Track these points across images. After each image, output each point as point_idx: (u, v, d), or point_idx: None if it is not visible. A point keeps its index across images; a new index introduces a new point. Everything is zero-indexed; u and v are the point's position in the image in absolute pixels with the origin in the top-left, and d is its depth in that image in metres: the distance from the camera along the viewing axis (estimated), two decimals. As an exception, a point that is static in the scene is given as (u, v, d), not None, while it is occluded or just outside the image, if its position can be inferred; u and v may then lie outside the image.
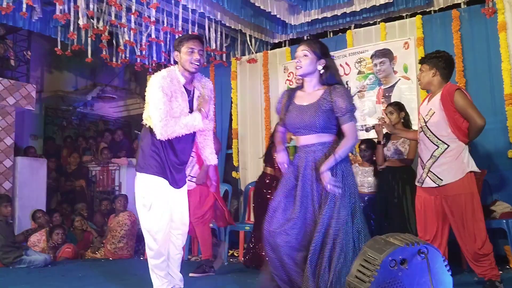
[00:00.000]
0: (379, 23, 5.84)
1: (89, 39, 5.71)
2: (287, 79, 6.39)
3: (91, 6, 5.16)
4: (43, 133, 8.44)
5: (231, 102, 6.83)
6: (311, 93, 2.76)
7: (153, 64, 6.51)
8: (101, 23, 5.49)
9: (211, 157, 3.37)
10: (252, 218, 5.57)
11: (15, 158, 6.33)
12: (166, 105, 2.86)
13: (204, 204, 4.49)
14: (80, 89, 9.40)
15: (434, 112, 3.29)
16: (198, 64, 2.99)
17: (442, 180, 3.23)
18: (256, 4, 5.40)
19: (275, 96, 5.88)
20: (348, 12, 5.68)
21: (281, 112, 2.88)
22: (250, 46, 6.58)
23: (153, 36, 5.57)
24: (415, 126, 4.17)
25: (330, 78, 2.76)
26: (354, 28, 6.08)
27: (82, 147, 8.38)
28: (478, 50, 5.13)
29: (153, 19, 5.34)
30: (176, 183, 3.06)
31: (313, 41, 2.86)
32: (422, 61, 3.45)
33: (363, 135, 5.62)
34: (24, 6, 4.98)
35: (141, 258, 5.88)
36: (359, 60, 5.88)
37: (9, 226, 5.50)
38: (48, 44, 7.41)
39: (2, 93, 6.19)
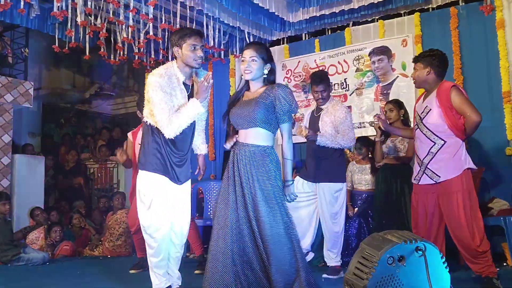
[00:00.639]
0: (377, 21, 5.85)
1: (87, 37, 5.70)
2: (285, 77, 6.39)
3: (89, 3, 5.14)
4: (41, 131, 8.43)
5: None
6: (255, 91, 2.83)
7: (151, 62, 6.50)
8: (99, 20, 5.47)
9: (201, 147, 3.37)
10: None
11: (13, 155, 6.32)
12: (168, 103, 2.86)
13: None
14: (78, 87, 9.39)
15: (431, 109, 3.30)
16: (201, 60, 2.99)
17: (439, 176, 3.23)
18: (255, 1, 5.39)
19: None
20: (346, 9, 5.67)
21: (226, 111, 2.94)
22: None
23: (151, 33, 5.56)
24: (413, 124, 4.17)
25: (272, 79, 2.86)
26: (352, 25, 6.08)
27: (80, 145, 8.38)
28: (476, 47, 5.14)
29: (151, 16, 5.32)
30: (178, 179, 3.05)
31: (260, 45, 2.89)
32: (416, 60, 3.44)
33: (360, 132, 5.65)
34: (22, 3, 4.96)
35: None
36: (357, 57, 5.89)
37: (8, 224, 5.49)
38: (45, 42, 7.39)
39: (-1, 90, 6.18)
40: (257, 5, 5.53)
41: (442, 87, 3.29)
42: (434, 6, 5.50)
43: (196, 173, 3.34)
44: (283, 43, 6.58)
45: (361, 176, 4.94)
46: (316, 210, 4.07)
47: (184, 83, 3.00)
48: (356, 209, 4.84)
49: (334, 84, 5.99)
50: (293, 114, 2.86)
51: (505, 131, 4.85)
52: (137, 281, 4.07)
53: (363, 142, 4.96)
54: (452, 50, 5.18)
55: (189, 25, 5.85)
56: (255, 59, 2.77)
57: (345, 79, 5.94)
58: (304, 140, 4.50)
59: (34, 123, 8.21)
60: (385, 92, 5.65)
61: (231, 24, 6.04)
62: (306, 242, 3.99)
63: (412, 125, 4.35)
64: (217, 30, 6.18)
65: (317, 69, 6.04)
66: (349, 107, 5.85)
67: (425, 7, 5.55)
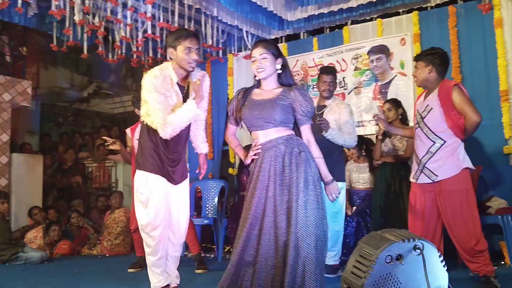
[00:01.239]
0: (375, 19, 5.85)
1: (85, 35, 5.69)
2: (284, 75, 6.38)
3: (86, 1, 5.14)
4: (39, 130, 8.42)
5: (228, 98, 6.82)
6: (269, 91, 2.74)
7: (149, 60, 6.49)
8: (97, 19, 5.46)
9: (202, 146, 3.36)
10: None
11: (11, 154, 6.31)
12: (163, 104, 2.85)
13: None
14: (76, 85, 9.37)
15: (432, 108, 3.30)
16: (195, 63, 2.95)
17: (437, 176, 3.24)
18: (253, 0, 5.39)
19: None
20: (344, 8, 5.67)
21: (235, 109, 2.83)
22: (247, 42, 6.55)
23: (149, 32, 5.54)
24: (412, 123, 4.17)
25: (287, 78, 2.77)
26: (351, 24, 6.07)
27: (78, 144, 8.37)
28: (474, 46, 5.14)
29: (149, 15, 5.31)
30: (174, 179, 3.06)
31: (267, 41, 2.84)
32: (417, 58, 3.45)
33: (359, 131, 5.64)
34: (20, 1, 4.96)
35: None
36: (355, 56, 5.89)
37: (6, 223, 5.49)
38: (43, 40, 7.37)
39: (-3, 89, 6.17)
40: (255, 4, 5.52)
41: (444, 85, 3.29)
42: (433, 4, 5.50)
43: (197, 172, 3.34)
44: (281, 42, 6.58)
45: (359, 175, 4.94)
46: None
47: (178, 84, 2.98)
48: (354, 208, 4.85)
49: (333, 83, 6.00)
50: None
51: (503, 129, 4.85)
52: (135, 280, 4.07)
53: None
54: (451, 48, 5.18)
55: (187, 24, 5.84)
56: (265, 56, 2.69)
57: (343, 78, 5.94)
58: None
59: (32, 122, 8.19)
60: (383, 91, 5.65)
61: (229, 23, 6.03)
62: None
63: (410, 124, 4.37)
64: (215, 29, 6.18)
65: (315, 68, 6.05)
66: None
67: (424, 6, 5.55)
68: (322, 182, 2.67)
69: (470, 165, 3.27)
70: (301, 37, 6.53)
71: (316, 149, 2.70)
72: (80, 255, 6.08)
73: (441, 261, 2.23)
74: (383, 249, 2.13)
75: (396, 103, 4.50)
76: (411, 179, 3.45)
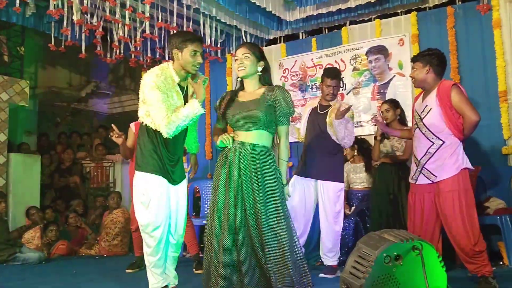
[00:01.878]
0: (374, 20, 5.85)
1: (83, 35, 5.68)
2: (282, 76, 6.39)
3: (85, 1, 5.12)
4: (37, 130, 8.40)
5: (226, 99, 6.81)
6: (252, 92, 2.88)
7: (148, 60, 6.48)
8: (95, 19, 5.45)
9: (193, 146, 3.40)
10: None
11: (9, 154, 6.29)
12: (165, 103, 2.86)
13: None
14: (74, 85, 9.36)
15: (431, 109, 3.30)
16: (199, 66, 3.04)
17: (436, 176, 3.24)
18: (251, 0, 5.39)
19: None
20: (343, 8, 5.67)
21: (221, 111, 2.97)
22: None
23: (147, 32, 5.54)
24: (410, 123, 4.17)
25: (268, 79, 2.92)
26: (349, 24, 6.08)
27: (76, 144, 8.35)
28: (472, 47, 5.14)
29: (147, 14, 5.31)
30: (173, 180, 3.07)
31: (252, 44, 3.02)
32: (414, 59, 3.44)
33: (357, 132, 5.65)
34: (18, 1, 4.94)
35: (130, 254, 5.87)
36: (354, 56, 5.89)
37: (4, 223, 5.47)
38: (41, 40, 7.36)
39: (-5, 89, 6.15)
40: (254, 4, 5.52)
41: (442, 86, 3.29)
42: (431, 5, 5.51)
43: (187, 171, 3.35)
44: (280, 42, 6.58)
45: (356, 175, 4.95)
46: (310, 208, 4.04)
47: (178, 85, 3.01)
48: (353, 208, 4.85)
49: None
50: (290, 117, 2.91)
51: (501, 130, 4.86)
52: (133, 281, 4.07)
53: None
54: (449, 49, 5.18)
55: (185, 23, 5.84)
56: (247, 55, 2.83)
57: (342, 78, 5.93)
58: (296, 140, 4.52)
59: (30, 121, 8.17)
60: (382, 91, 5.66)
61: (228, 23, 6.03)
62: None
63: (409, 124, 4.37)
64: (214, 29, 6.17)
65: (314, 68, 6.05)
66: (346, 106, 5.87)
67: (422, 7, 5.55)
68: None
69: (469, 165, 3.27)
70: (300, 37, 6.53)
71: (286, 151, 2.86)
72: (78, 256, 6.07)
73: (440, 262, 2.23)
74: (382, 250, 2.13)
75: (394, 104, 4.50)
76: (410, 180, 3.45)
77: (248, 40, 6.53)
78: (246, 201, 2.70)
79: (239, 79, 2.93)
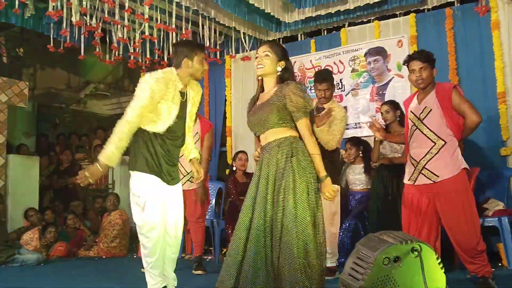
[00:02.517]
0: (373, 21, 5.86)
1: (82, 36, 5.68)
2: (281, 77, 6.38)
3: (84, 3, 5.13)
4: (36, 131, 8.39)
5: (225, 100, 6.82)
6: (267, 93, 2.74)
7: (147, 62, 6.48)
8: (94, 20, 5.45)
9: (194, 151, 3.41)
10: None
11: (7, 156, 6.28)
12: (144, 110, 2.89)
13: (201, 204, 4.51)
14: (73, 87, 9.35)
15: (431, 110, 3.30)
16: (204, 73, 3.19)
17: (438, 176, 3.24)
18: (250, 1, 5.39)
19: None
20: (342, 10, 5.67)
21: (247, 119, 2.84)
22: (244, 44, 6.57)
23: (146, 33, 5.54)
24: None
25: (287, 79, 2.73)
26: (348, 26, 6.08)
27: (75, 145, 8.34)
28: (471, 48, 5.15)
29: (146, 16, 5.31)
30: (169, 181, 3.06)
31: (275, 43, 2.91)
32: (424, 60, 3.34)
33: (356, 133, 5.66)
34: (17, 2, 4.94)
35: (135, 256, 5.87)
36: (353, 58, 5.89)
37: (2, 225, 5.46)
38: (40, 41, 7.35)
39: (-6, 90, 6.14)
40: (252, 6, 5.53)
41: (442, 87, 3.32)
42: (430, 7, 5.51)
43: (192, 179, 3.33)
44: (279, 44, 6.58)
45: (355, 176, 4.95)
46: None
47: (180, 91, 3.04)
48: (352, 210, 4.84)
49: (330, 84, 6.01)
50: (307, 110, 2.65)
51: (500, 131, 4.86)
52: (132, 282, 4.06)
53: (354, 142, 4.97)
54: (448, 51, 5.19)
55: (184, 25, 5.84)
56: (268, 54, 2.71)
57: (340, 80, 5.95)
58: None
59: (28, 123, 8.17)
60: (380, 92, 5.66)
61: (226, 25, 6.04)
62: None
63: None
64: (212, 31, 6.18)
65: (312, 70, 6.05)
66: (345, 107, 5.87)
67: (421, 8, 5.56)
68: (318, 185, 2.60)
69: (467, 166, 3.29)
70: (299, 39, 6.54)
71: (312, 144, 2.61)
72: (76, 257, 6.06)
73: (439, 263, 2.23)
74: (381, 251, 2.12)
75: (394, 105, 4.50)
76: (407, 181, 3.44)
77: (247, 42, 6.55)
78: (275, 201, 2.53)
79: (259, 78, 2.80)
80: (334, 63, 6.01)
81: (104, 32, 5.83)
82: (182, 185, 4.47)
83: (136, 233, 3.26)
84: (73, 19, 5.21)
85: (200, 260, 4.49)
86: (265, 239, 2.51)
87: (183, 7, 5.53)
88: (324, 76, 4.11)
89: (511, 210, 4.44)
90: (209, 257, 5.47)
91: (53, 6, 5.04)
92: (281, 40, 6.60)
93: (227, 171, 6.70)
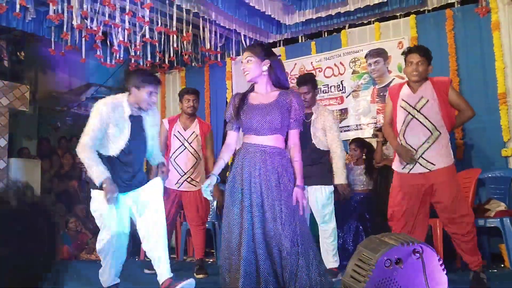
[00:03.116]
0: (373, 23, 5.86)
1: (83, 40, 5.69)
2: (282, 79, 6.38)
3: (84, 6, 5.14)
4: (37, 134, 8.39)
5: (226, 102, 6.82)
6: (266, 95, 2.79)
7: (148, 64, 6.49)
8: (95, 23, 5.46)
9: (158, 156, 3.57)
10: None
11: (9, 159, 6.28)
12: (96, 133, 3.09)
13: (202, 208, 4.52)
14: (74, 90, 9.35)
15: (428, 100, 3.38)
16: (153, 105, 3.26)
17: (434, 165, 3.31)
18: (251, 4, 5.40)
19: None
20: (342, 12, 5.69)
21: (233, 114, 2.85)
22: (245, 46, 6.57)
23: (147, 36, 5.55)
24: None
25: (279, 80, 2.81)
26: (349, 28, 6.09)
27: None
28: (471, 49, 5.15)
29: (147, 19, 5.32)
30: (131, 187, 3.24)
31: (254, 45, 2.98)
32: (422, 54, 3.40)
33: (357, 134, 5.66)
34: (18, 6, 4.95)
35: (136, 259, 5.87)
36: (353, 59, 5.90)
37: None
38: (41, 45, 7.36)
39: (-5, 94, 6.15)
40: (253, 8, 5.54)
41: (438, 80, 3.43)
42: (430, 8, 5.51)
43: (160, 175, 3.41)
44: (279, 46, 6.58)
45: (356, 177, 4.96)
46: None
47: (131, 115, 3.21)
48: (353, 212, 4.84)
49: (331, 86, 6.00)
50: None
51: (501, 132, 4.86)
52: (134, 284, 4.06)
53: (358, 143, 4.98)
54: (448, 52, 5.20)
55: (185, 28, 5.85)
56: (250, 59, 2.80)
57: (341, 81, 5.95)
58: None
59: (30, 126, 8.17)
60: (381, 94, 5.66)
61: (227, 27, 6.04)
62: None
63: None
64: (213, 33, 6.19)
65: (313, 71, 6.05)
66: (346, 109, 5.88)
67: (421, 9, 5.56)
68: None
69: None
70: (299, 40, 6.54)
71: (298, 153, 2.77)
72: (78, 260, 6.06)
73: (441, 265, 2.22)
74: (382, 253, 2.12)
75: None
76: (401, 170, 3.44)
77: (247, 44, 6.55)
78: (265, 204, 2.62)
79: (247, 81, 2.88)
80: (335, 64, 6.02)
81: (105, 35, 5.84)
82: (180, 186, 4.51)
83: (137, 236, 3.29)
84: (74, 22, 5.21)
85: (201, 263, 4.49)
86: (260, 245, 2.59)
87: (184, 10, 5.54)
88: (303, 80, 4.11)
89: (513, 211, 4.43)
90: (211, 260, 5.47)
91: (54, 9, 5.05)
92: (281, 42, 6.60)
93: (227, 174, 6.71)
